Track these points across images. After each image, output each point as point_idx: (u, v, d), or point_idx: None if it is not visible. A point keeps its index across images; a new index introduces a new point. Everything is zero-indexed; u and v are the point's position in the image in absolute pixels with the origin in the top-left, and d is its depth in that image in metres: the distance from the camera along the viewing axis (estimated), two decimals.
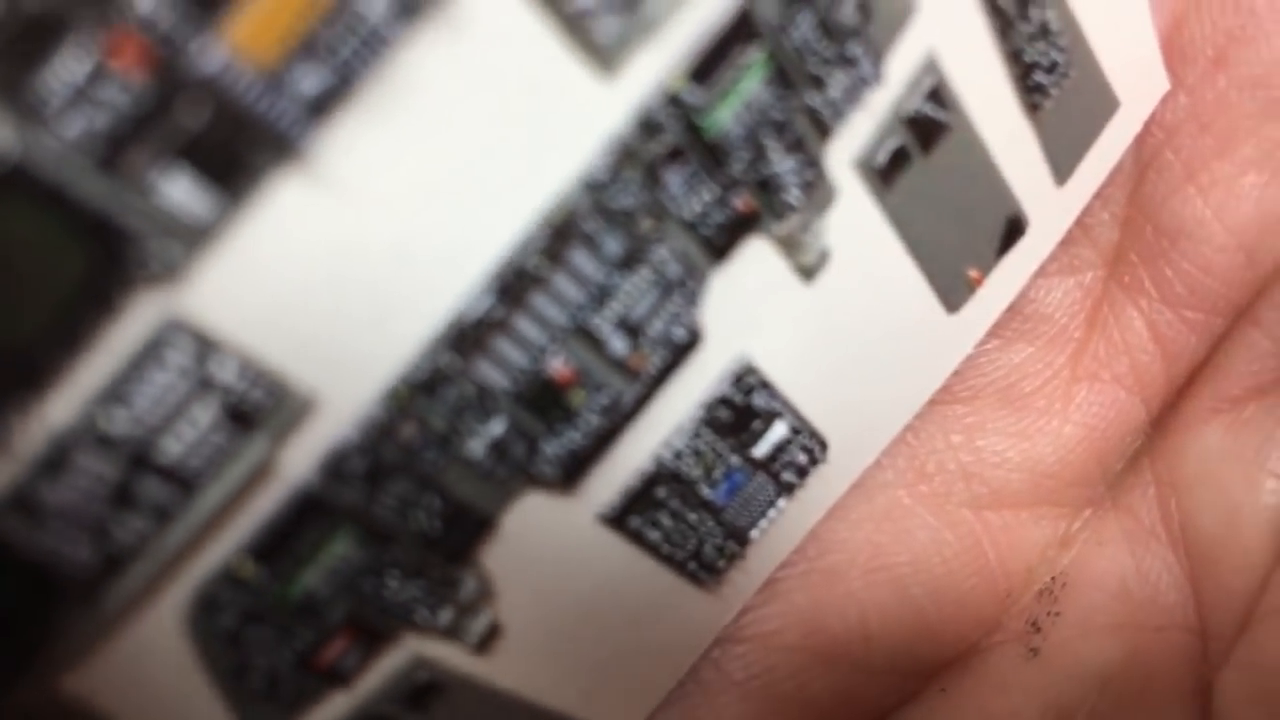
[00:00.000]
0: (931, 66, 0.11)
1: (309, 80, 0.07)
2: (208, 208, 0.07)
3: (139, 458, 0.08)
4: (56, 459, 0.08)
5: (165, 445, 0.08)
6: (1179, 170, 0.13)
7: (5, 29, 0.06)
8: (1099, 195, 0.13)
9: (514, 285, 0.09)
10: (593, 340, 0.10)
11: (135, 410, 0.08)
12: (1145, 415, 0.14)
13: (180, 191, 0.07)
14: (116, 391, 0.08)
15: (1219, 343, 0.14)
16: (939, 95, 0.11)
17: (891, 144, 0.11)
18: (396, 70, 0.08)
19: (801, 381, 0.12)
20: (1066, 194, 0.13)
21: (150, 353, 0.08)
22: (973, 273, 0.12)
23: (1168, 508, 0.14)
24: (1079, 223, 0.13)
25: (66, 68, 0.07)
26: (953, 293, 0.12)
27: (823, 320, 0.11)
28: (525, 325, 0.09)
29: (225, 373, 0.08)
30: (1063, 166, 0.13)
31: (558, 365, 0.10)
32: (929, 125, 0.11)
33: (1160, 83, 0.13)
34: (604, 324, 0.10)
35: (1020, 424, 0.14)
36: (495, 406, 0.09)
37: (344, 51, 0.07)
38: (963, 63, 0.11)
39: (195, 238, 0.07)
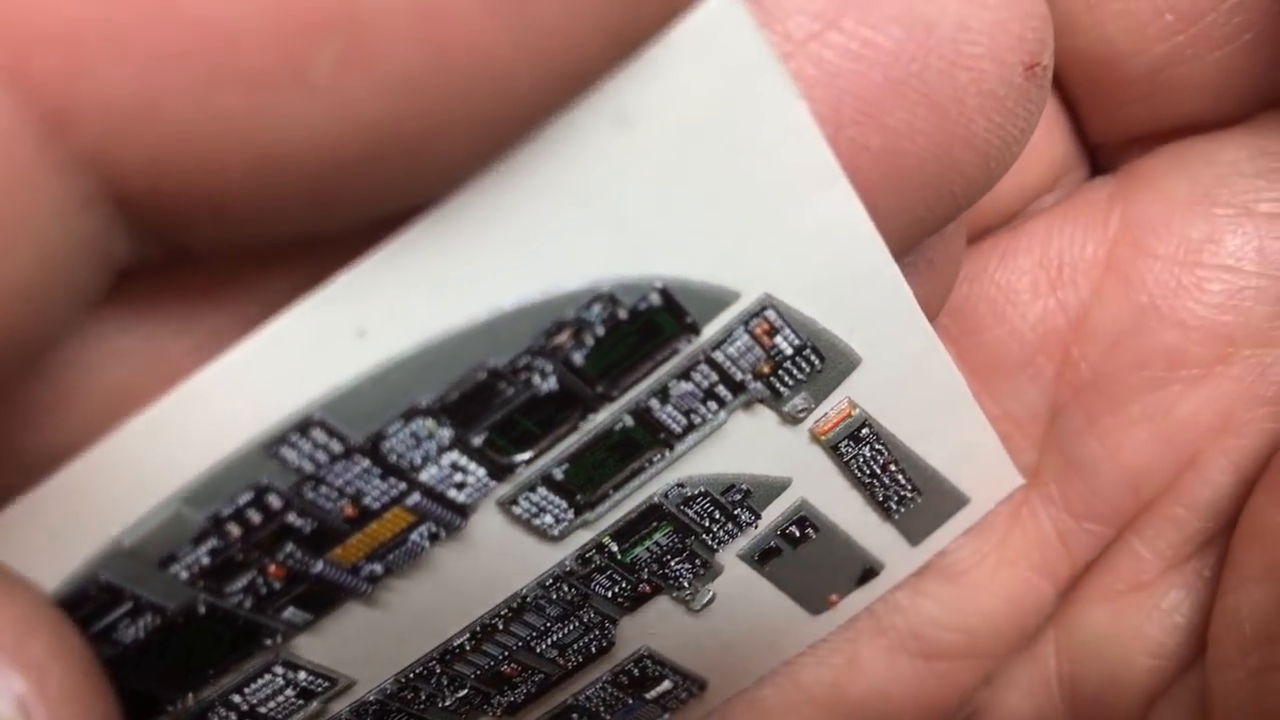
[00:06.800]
0: (800, 508, 0.16)
1: (370, 567, 0.13)
2: (304, 619, 0.13)
3: None
4: None
5: None
6: (1083, 420, 0.18)
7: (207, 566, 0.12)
8: (1024, 432, 0.18)
9: (480, 633, 0.15)
10: (536, 655, 0.16)
11: None
12: (1053, 594, 0.19)
13: (290, 614, 0.13)
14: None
15: (1110, 545, 0.19)
16: (806, 521, 0.16)
17: (766, 545, 0.16)
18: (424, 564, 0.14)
19: (689, 659, 0.17)
20: (920, 549, 0.18)
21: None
22: (832, 596, 0.18)
23: (1063, 667, 0.20)
24: (1011, 447, 0.18)
25: (245, 576, 0.13)
26: (814, 606, 0.18)
27: (708, 630, 0.17)
28: (490, 648, 0.15)
29: None
30: (916, 536, 0.18)
31: (508, 668, 0.16)
32: (797, 536, 0.16)
33: (1010, 479, 0.18)
34: (543, 646, 0.16)
35: (956, 596, 0.19)
36: (462, 680, 0.15)
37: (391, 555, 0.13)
38: (826, 503, 0.16)
39: (296, 630, 0.13)
